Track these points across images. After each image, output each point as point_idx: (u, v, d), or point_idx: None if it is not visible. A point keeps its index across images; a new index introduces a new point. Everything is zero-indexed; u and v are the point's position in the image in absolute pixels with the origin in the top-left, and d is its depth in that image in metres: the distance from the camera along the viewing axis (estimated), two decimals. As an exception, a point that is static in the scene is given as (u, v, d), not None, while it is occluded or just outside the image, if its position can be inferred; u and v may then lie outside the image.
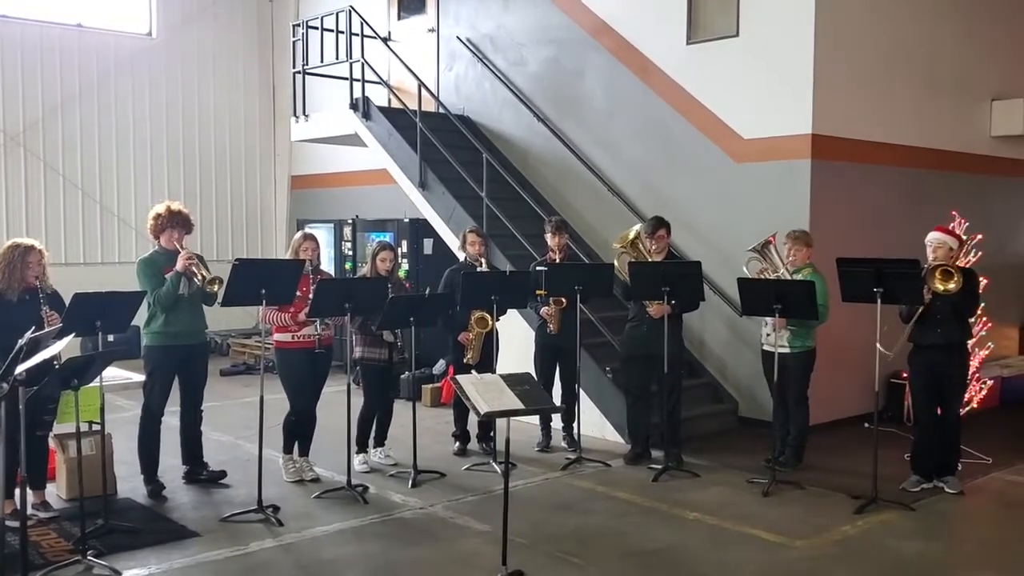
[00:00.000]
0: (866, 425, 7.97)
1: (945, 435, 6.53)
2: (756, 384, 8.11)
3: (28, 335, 3.98)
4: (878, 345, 6.26)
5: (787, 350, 6.87)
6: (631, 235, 7.29)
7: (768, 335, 6.97)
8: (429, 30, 11.81)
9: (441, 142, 9.80)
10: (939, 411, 6.55)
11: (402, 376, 8.04)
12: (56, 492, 6.35)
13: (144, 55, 13.19)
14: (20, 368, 3.84)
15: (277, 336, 6.68)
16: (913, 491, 6.49)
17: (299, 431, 6.86)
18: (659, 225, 7.28)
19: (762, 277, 6.91)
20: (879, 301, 6.10)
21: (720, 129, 8.79)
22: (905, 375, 7.60)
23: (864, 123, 8.60)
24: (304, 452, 6.91)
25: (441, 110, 10.66)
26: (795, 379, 6.95)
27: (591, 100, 10.02)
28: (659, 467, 7.02)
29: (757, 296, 6.61)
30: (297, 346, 6.64)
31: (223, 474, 6.77)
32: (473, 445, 7.73)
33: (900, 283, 6.11)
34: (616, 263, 7.33)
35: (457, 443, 7.70)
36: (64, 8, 12.53)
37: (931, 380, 6.46)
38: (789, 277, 6.84)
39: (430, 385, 9.73)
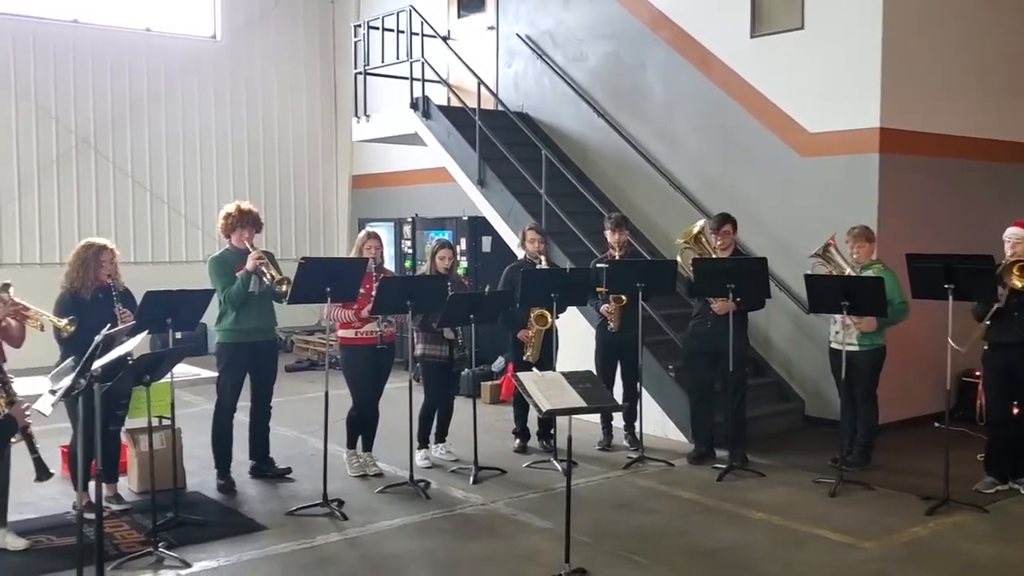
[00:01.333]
0: (936, 425, 7.77)
1: (1021, 435, 6.34)
2: (823, 382, 7.97)
3: (104, 332, 4.08)
4: (950, 342, 6.09)
5: (856, 348, 6.73)
6: (695, 230, 7.21)
7: (837, 332, 6.84)
8: (488, 28, 11.84)
9: (500, 139, 9.81)
10: (1015, 411, 6.36)
11: (462, 373, 8.08)
12: (127, 485, 6.50)
13: (209, 58, 13.45)
14: (96, 364, 3.93)
15: (341, 332, 6.77)
16: (987, 492, 6.31)
17: (362, 426, 6.93)
18: (724, 221, 7.19)
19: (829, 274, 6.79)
20: (950, 298, 5.94)
21: (784, 123, 8.66)
22: (977, 373, 7.39)
23: (935, 116, 8.39)
24: (368, 447, 6.98)
25: (500, 107, 10.68)
26: (864, 377, 6.81)
27: (651, 94, 9.95)
28: (723, 466, 6.94)
29: (824, 293, 6.49)
30: (360, 342, 6.71)
31: (288, 470, 6.86)
32: (533, 443, 7.72)
33: (972, 279, 5.95)
34: (679, 259, 7.26)
35: (517, 440, 7.70)
36: (134, 13, 12.83)
37: (1007, 379, 6.27)
38: (856, 275, 6.71)
39: (489, 382, 9.76)
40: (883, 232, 7.00)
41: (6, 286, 4.83)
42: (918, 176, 8.28)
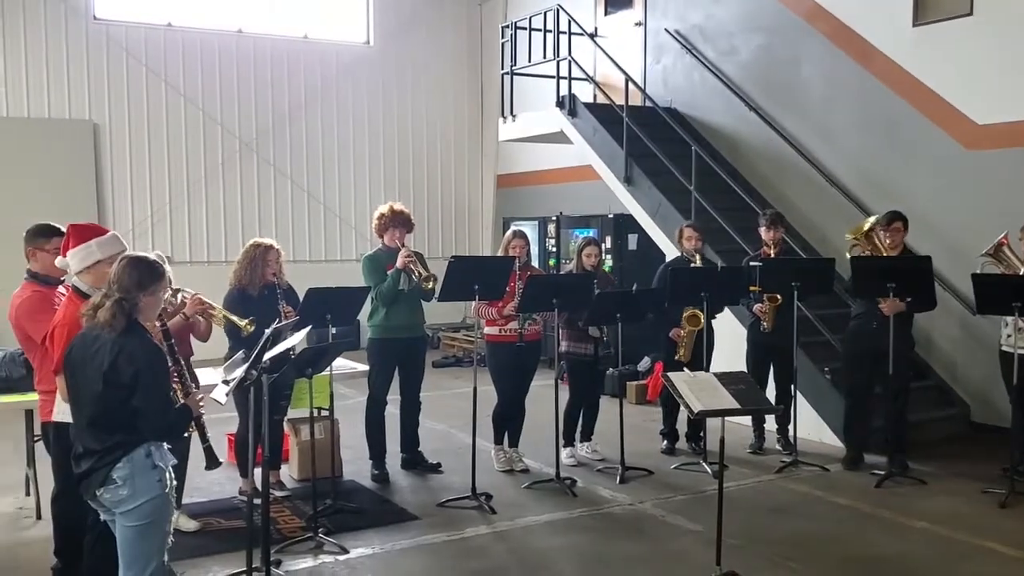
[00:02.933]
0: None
1: None
2: (991, 387, 7.53)
3: (273, 327, 4.29)
4: None
5: (1030, 351, 6.34)
6: (865, 226, 6.93)
7: (1009, 336, 6.44)
8: (636, 24, 11.75)
9: (648, 136, 9.72)
10: None
11: (607, 372, 8.05)
12: (289, 473, 6.79)
13: (362, 63, 13.91)
14: (267, 356, 4.14)
15: (487, 329, 6.88)
16: None
17: (506, 422, 7.01)
18: (895, 217, 6.89)
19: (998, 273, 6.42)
20: None
21: (950, 115, 8.23)
22: None
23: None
24: (514, 443, 7.06)
25: (648, 104, 10.58)
26: (1038, 383, 6.40)
27: (806, 88, 9.65)
28: (882, 473, 6.66)
29: (995, 293, 6.13)
30: (503, 339, 6.80)
31: (438, 465, 7.02)
32: (681, 444, 7.62)
33: None
34: (848, 255, 7.01)
35: (665, 441, 7.61)
36: (292, 22, 13.41)
37: None
38: (1032, 273, 6.32)
39: (635, 382, 9.69)
40: (1060, 228, 6.56)
41: (177, 291, 5.09)
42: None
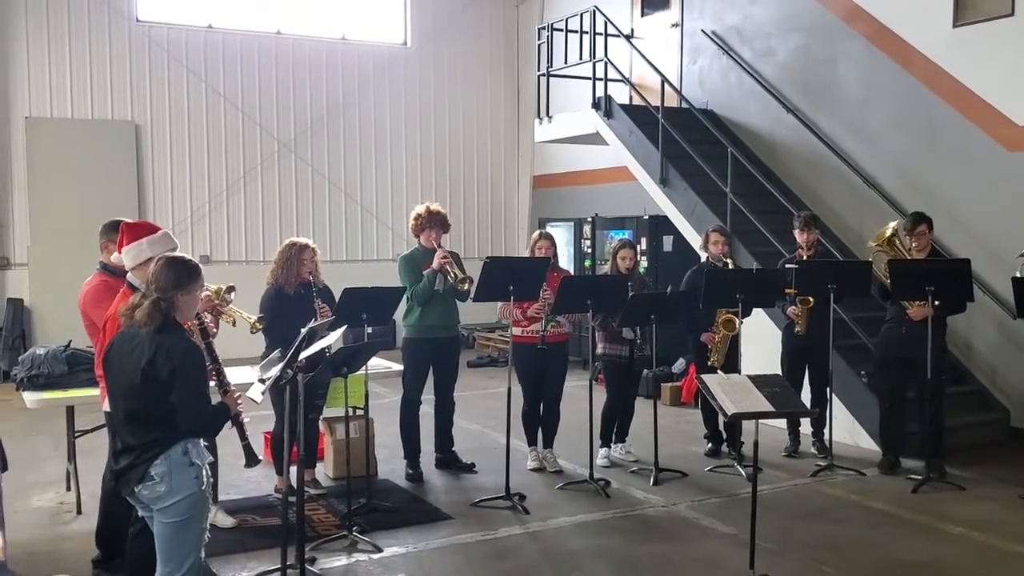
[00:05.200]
0: None
1: None
2: (1032, 393, 7.43)
3: (309, 326, 4.34)
4: None
5: (1071, 356, 6.24)
6: (888, 233, 6.86)
7: (1049, 340, 6.36)
8: (672, 25, 11.72)
9: (683, 137, 9.68)
10: None
11: (642, 374, 8.02)
12: (324, 471, 6.86)
13: (400, 64, 13.99)
14: (303, 355, 4.20)
15: (514, 330, 6.88)
16: None
17: (533, 422, 7.02)
18: (919, 221, 6.81)
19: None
20: None
21: (990, 116, 8.12)
22: None
23: None
24: (548, 444, 7.07)
25: (684, 105, 10.54)
26: (1080, 389, 6.31)
27: (844, 89, 9.56)
28: (919, 478, 6.59)
29: (1035, 297, 6.06)
30: (527, 341, 6.80)
31: (472, 465, 7.04)
32: (724, 447, 7.55)
33: None
34: (872, 262, 6.95)
35: (709, 444, 7.56)
36: (330, 23, 13.53)
37: None
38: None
39: (669, 384, 9.67)
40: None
41: (231, 288, 5.20)
42: None
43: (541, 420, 7.03)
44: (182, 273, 3.62)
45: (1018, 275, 6.45)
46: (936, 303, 6.47)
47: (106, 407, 4.44)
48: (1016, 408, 7.98)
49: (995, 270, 7.71)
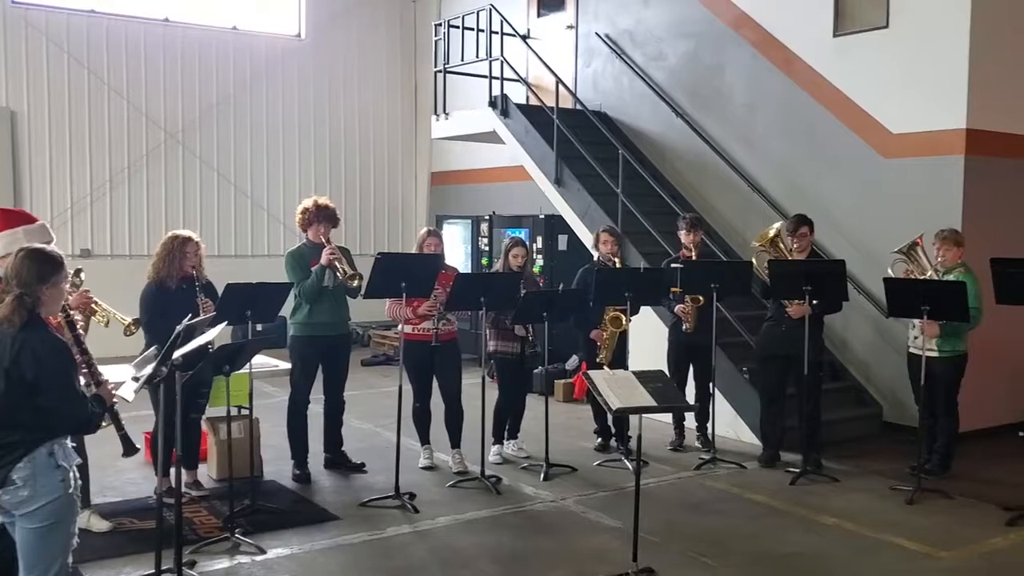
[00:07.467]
0: (1020, 434, 7.52)
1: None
2: (902, 388, 7.76)
3: (185, 322, 4.21)
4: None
5: (936, 354, 6.56)
6: (771, 233, 7.11)
7: (916, 338, 6.67)
8: (568, 27, 11.84)
9: (577, 138, 9.80)
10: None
11: (535, 371, 8.09)
12: (207, 472, 6.68)
13: (293, 56, 13.74)
14: (178, 353, 4.07)
15: (404, 328, 6.77)
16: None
17: (424, 420, 6.99)
18: (801, 223, 7.07)
19: (909, 277, 6.63)
20: (1039, 304, 5.74)
21: (867, 123, 8.47)
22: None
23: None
24: (455, 444, 6.97)
25: (578, 106, 10.67)
26: (944, 385, 6.64)
27: (731, 94, 9.83)
28: (797, 470, 6.83)
29: (904, 297, 6.35)
30: (417, 338, 6.75)
31: (362, 465, 6.96)
32: (613, 442, 7.68)
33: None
34: (754, 261, 7.17)
35: (599, 439, 7.68)
36: (221, 12, 13.19)
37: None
38: (938, 278, 6.54)
39: (562, 380, 9.77)
40: (967, 235, 6.80)
41: (78, 271, 4.97)
42: (1005, 179, 8.02)
43: (445, 420, 6.97)
44: (44, 265, 3.43)
45: (890, 274, 6.76)
46: (813, 302, 6.71)
47: None
48: (889, 403, 8.35)
49: (870, 271, 8.04)
